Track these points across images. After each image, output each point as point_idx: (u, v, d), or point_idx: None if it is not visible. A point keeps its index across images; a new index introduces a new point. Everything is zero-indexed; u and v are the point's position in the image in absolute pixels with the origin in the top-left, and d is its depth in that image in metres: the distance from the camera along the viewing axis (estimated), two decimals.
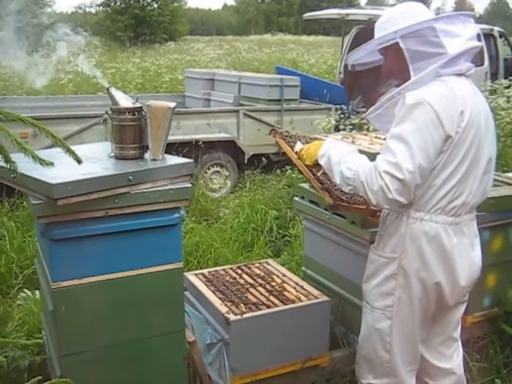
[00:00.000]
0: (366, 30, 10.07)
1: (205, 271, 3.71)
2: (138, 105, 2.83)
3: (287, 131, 3.17)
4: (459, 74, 2.54)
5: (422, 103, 2.41)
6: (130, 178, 2.56)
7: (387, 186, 2.38)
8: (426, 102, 2.40)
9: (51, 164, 1.60)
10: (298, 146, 2.98)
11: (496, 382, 3.38)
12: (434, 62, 2.46)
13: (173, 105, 2.80)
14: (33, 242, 5.03)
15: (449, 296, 2.59)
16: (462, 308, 2.81)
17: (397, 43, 2.51)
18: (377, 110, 2.66)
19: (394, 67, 2.62)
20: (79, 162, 1.73)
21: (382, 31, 2.61)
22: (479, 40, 2.61)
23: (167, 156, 2.86)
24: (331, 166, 2.61)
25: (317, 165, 2.77)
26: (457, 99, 2.45)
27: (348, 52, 10.04)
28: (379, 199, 2.42)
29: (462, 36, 2.50)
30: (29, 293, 4.20)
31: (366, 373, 2.81)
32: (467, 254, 2.58)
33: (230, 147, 8.01)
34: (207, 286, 3.45)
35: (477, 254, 2.66)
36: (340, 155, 2.59)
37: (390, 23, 2.59)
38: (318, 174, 2.89)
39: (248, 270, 3.70)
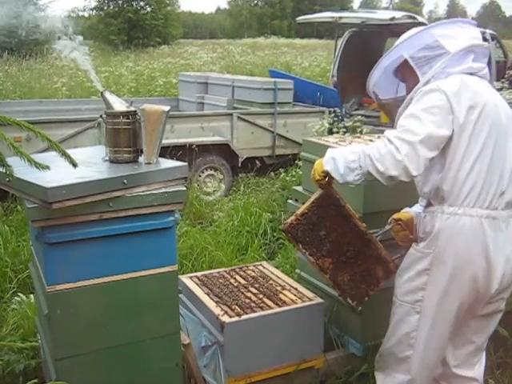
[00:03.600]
0: (358, 34, 10.11)
1: (199, 274, 3.72)
2: (132, 108, 2.84)
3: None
4: (471, 74, 2.61)
5: (434, 89, 2.52)
6: (125, 181, 2.57)
7: (397, 148, 2.44)
8: (438, 88, 2.52)
9: (47, 168, 1.61)
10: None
11: (490, 382, 3.39)
12: (438, 63, 2.59)
13: (167, 108, 2.81)
14: (27, 247, 5.03)
15: (483, 292, 2.55)
16: (498, 317, 2.78)
17: (402, 56, 2.68)
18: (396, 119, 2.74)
19: (412, 84, 2.69)
20: (75, 165, 1.74)
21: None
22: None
23: (161, 159, 2.87)
24: (336, 163, 2.64)
25: (325, 177, 2.76)
26: (468, 89, 2.52)
27: (341, 55, 10.08)
28: (387, 164, 2.45)
29: (462, 37, 2.62)
30: (23, 297, 4.19)
31: (386, 367, 2.80)
32: (504, 251, 2.54)
33: (224, 150, 8.01)
34: (202, 288, 3.46)
35: None
36: (343, 150, 2.67)
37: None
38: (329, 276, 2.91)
39: (242, 273, 3.71)
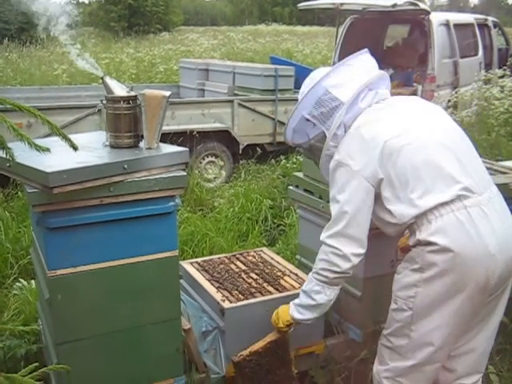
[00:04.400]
0: (360, 20, 10.06)
1: (200, 260, 3.73)
2: (132, 93, 2.83)
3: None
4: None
5: (336, 166, 2.60)
6: (125, 166, 2.57)
7: (333, 246, 2.60)
8: (339, 163, 2.59)
9: (47, 150, 1.61)
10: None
11: (489, 368, 3.41)
12: (337, 115, 2.63)
13: (168, 93, 2.80)
14: (28, 233, 5.04)
15: (483, 284, 2.44)
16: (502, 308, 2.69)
17: (303, 117, 2.73)
18: (325, 175, 2.79)
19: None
20: (75, 148, 1.74)
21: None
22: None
23: (162, 145, 2.87)
24: (301, 302, 2.80)
25: (288, 326, 2.89)
26: (366, 140, 2.55)
27: (342, 42, 10.03)
28: (337, 262, 2.60)
29: (350, 81, 2.66)
30: (24, 282, 4.21)
31: (382, 354, 2.76)
32: (492, 233, 2.44)
33: (225, 137, 8.01)
34: (202, 274, 3.47)
35: (506, 228, 2.52)
36: (299, 293, 2.81)
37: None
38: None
39: (243, 259, 3.71)
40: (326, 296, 2.72)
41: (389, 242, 2.95)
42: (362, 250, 2.61)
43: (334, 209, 2.63)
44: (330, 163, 2.65)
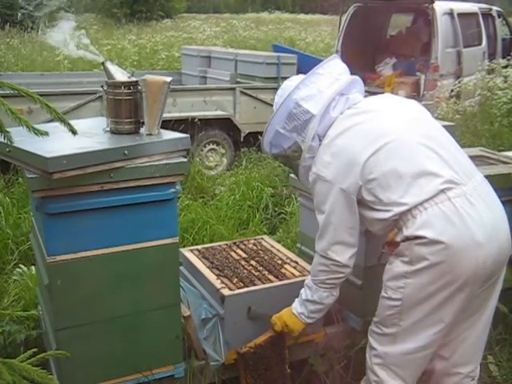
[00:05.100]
0: (363, 9, 10.00)
1: (200, 247, 3.72)
2: (133, 79, 2.82)
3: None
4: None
5: (315, 179, 2.63)
6: (126, 152, 2.55)
7: (331, 258, 2.65)
8: (317, 175, 2.62)
9: (46, 134, 1.59)
10: None
11: (488, 358, 3.41)
12: (310, 127, 2.64)
13: (169, 79, 2.79)
14: (28, 219, 5.04)
15: (472, 272, 2.40)
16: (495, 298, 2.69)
17: (278, 131, 2.73)
18: (306, 184, 2.82)
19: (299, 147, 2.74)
20: (74, 132, 1.73)
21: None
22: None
23: (163, 131, 2.85)
24: (312, 311, 2.85)
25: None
26: (343, 150, 2.55)
27: (345, 31, 9.97)
28: (340, 270, 2.68)
29: (320, 92, 2.66)
30: (24, 268, 4.21)
31: (372, 339, 2.75)
32: (479, 219, 2.41)
33: (227, 125, 7.99)
34: (202, 261, 3.46)
35: (496, 216, 2.50)
36: (300, 301, 2.88)
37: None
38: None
39: (243, 246, 3.70)
40: (334, 296, 2.81)
41: (388, 232, 2.93)
42: (355, 249, 2.67)
43: (320, 218, 2.67)
44: (309, 176, 2.67)
